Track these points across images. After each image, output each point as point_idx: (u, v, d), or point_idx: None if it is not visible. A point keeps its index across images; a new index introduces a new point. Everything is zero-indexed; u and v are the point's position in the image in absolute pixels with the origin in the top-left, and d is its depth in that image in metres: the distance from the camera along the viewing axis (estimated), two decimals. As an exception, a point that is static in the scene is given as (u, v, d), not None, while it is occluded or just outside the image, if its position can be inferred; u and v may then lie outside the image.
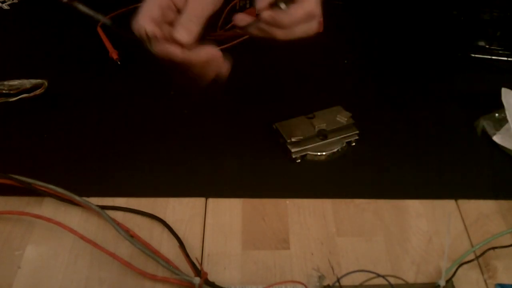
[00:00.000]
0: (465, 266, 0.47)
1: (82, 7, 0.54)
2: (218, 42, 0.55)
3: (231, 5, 0.73)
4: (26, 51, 0.71)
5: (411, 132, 0.61)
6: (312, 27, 0.50)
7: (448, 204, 0.53)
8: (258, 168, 0.56)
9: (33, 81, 0.61)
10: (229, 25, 0.71)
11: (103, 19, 0.57)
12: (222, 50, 0.61)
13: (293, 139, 0.56)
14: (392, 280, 0.46)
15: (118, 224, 0.48)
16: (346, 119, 0.59)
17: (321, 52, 0.73)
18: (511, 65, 0.71)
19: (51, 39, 0.72)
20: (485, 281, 0.47)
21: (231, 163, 0.56)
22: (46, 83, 0.61)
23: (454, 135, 0.61)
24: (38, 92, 0.61)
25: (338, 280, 0.46)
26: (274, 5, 0.47)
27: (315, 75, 0.68)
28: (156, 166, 0.56)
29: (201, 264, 0.47)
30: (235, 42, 0.70)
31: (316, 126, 0.58)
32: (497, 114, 0.61)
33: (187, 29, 0.47)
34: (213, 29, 0.72)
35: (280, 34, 0.49)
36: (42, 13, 0.77)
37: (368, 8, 0.79)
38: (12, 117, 0.60)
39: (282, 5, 0.47)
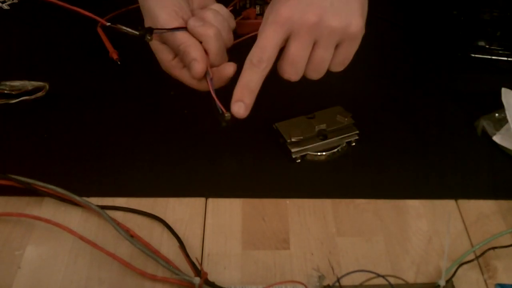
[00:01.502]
0: (465, 266, 0.47)
1: (125, 28, 0.55)
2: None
3: (231, 5, 0.73)
4: (26, 51, 0.71)
5: (411, 132, 0.61)
6: None
7: (448, 204, 0.53)
8: (258, 168, 0.56)
9: (35, 83, 0.61)
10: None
11: (148, 37, 0.57)
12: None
13: (293, 139, 0.56)
14: (392, 280, 0.46)
15: (118, 224, 0.48)
16: (346, 119, 0.59)
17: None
18: (511, 65, 0.71)
19: (51, 40, 0.72)
20: (485, 281, 0.47)
21: (231, 163, 0.56)
22: (47, 86, 0.61)
23: (454, 135, 0.61)
24: (39, 94, 0.61)
25: (338, 280, 0.46)
26: None
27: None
28: (156, 166, 0.56)
29: (201, 264, 0.47)
30: (235, 42, 0.70)
31: (316, 126, 0.58)
32: (497, 114, 0.61)
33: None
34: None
35: None
36: (42, 13, 0.77)
37: (368, 7, 0.79)
38: (12, 117, 0.60)
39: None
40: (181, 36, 0.50)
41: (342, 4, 0.46)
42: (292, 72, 0.49)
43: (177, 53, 0.51)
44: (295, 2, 0.45)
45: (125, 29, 0.53)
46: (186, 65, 0.51)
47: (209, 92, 0.51)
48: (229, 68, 0.51)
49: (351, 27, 0.47)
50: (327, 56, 0.48)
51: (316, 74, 0.50)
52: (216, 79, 0.51)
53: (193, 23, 0.50)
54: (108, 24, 0.57)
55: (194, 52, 0.49)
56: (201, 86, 0.52)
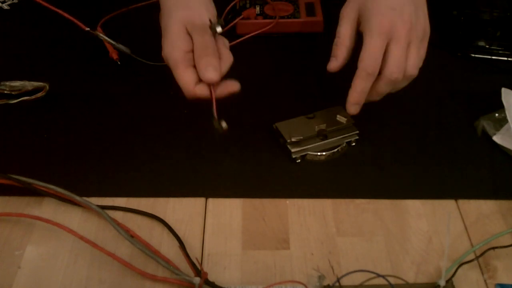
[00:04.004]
0: (465, 266, 0.47)
1: (104, 37, 0.57)
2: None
3: (231, 5, 0.74)
4: (26, 51, 0.71)
5: (411, 132, 0.61)
6: None
7: (448, 204, 0.53)
8: (258, 168, 0.56)
9: (35, 83, 0.61)
10: (229, 25, 0.71)
11: (124, 49, 0.59)
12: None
13: (293, 139, 0.56)
14: (392, 280, 0.46)
15: (118, 224, 0.49)
16: (346, 119, 0.59)
17: (321, 52, 0.72)
18: (511, 65, 0.70)
19: (51, 39, 0.72)
20: (485, 281, 0.47)
21: (231, 163, 0.56)
22: (47, 87, 0.61)
23: (454, 135, 0.61)
24: (39, 95, 0.61)
25: (338, 280, 0.46)
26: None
27: (315, 75, 0.68)
28: (156, 166, 0.56)
29: (201, 264, 0.47)
30: (235, 42, 0.70)
31: (316, 126, 0.58)
32: (497, 114, 0.61)
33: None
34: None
35: None
36: (42, 13, 0.76)
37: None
38: (12, 117, 0.60)
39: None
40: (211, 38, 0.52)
41: (418, 10, 0.54)
42: (400, 71, 0.53)
43: (198, 49, 0.52)
44: (391, 13, 0.52)
45: (102, 37, 0.55)
46: (200, 64, 0.51)
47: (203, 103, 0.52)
48: (234, 85, 0.53)
49: (427, 27, 0.55)
50: (418, 53, 0.54)
51: (415, 70, 0.55)
52: (218, 92, 0.52)
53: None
54: (87, 29, 0.60)
55: (216, 57, 0.52)
56: (195, 92, 0.52)
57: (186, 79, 0.52)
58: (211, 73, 0.50)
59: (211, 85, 0.51)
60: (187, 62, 0.52)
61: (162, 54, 0.53)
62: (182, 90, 0.52)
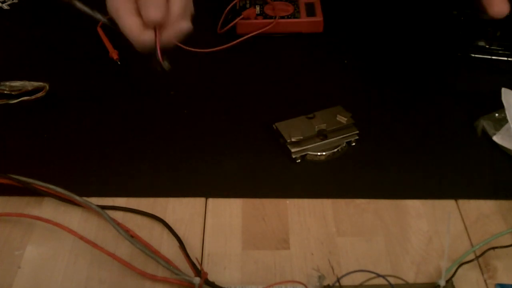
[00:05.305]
0: (465, 266, 0.47)
1: (80, 6, 0.55)
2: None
3: (231, 5, 0.73)
4: (26, 51, 0.71)
5: (411, 132, 0.61)
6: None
7: (448, 204, 0.53)
8: (258, 168, 0.56)
9: (35, 83, 0.61)
10: (229, 25, 0.71)
11: (101, 18, 0.57)
12: (223, 50, 0.62)
13: (293, 139, 0.56)
14: (392, 280, 0.46)
15: (118, 224, 0.49)
16: (346, 119, 0.59)
17: (321, 52, 0.73)
18: (511, 65, 0.70)
19: (51, 39, 0.72)
20: (485, 281, 0.47)
21: (231, 163, 0.56)
22: (47, 87, 0.61)
23: (454, 135, 0.61)
24: (39, 95, 0.61)
25: (338, 280, 0.46)
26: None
27: (315, 75, 0.68)
28: (156, 166, 0.56)
29: (201, 264, 0.47)
30: (235, 42, 0.70)
31: (316, 126, 0.58)
32: (497, 114, 0.61)
33: (155, 5, 0.47)
34: (213, 30, 0.72)
35: None
36: (42, 13, 0.77)
37: (368, 8, 0.79)
38: (12, 117, 0.60)
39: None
40: None
41: None
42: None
43: None
44: None
45: (74, 3, 0.53)
46: (142, 6, 0.47)
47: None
48: (183, 24, 0.48)
49: None
50: None
51: None
52: (165, 33, 0.48)
53: None
54: None
55: None
56: (141, 38, 0.48)
57: (130, 23, 0.48)
58: (152, 11, 0.46)
59: (155, 27, 0.47)
60: (130, 10, 0.48)
61: (107, 9, 0.49)
62: (128, 37, 0.48)
